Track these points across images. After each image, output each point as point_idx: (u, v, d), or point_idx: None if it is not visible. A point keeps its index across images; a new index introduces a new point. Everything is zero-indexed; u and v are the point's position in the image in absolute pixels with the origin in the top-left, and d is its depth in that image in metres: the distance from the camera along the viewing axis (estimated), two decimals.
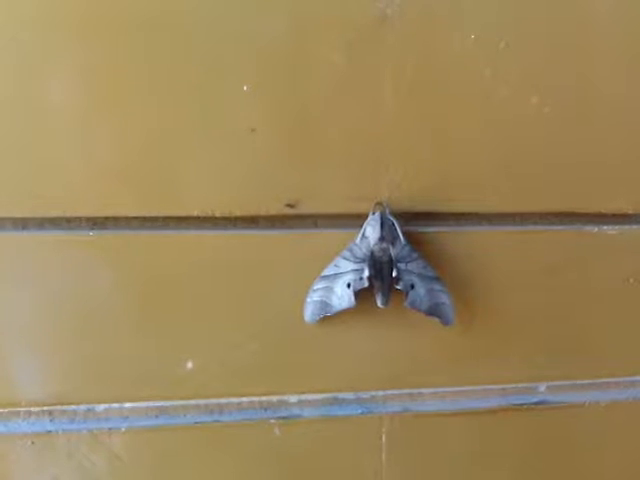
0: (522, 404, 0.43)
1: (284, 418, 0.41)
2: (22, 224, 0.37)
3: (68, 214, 0.37)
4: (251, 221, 0.39)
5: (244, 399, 0.41)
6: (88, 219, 0.38)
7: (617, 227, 0.42)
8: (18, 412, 0.39)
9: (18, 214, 0.37)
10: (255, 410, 0.41)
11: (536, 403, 0.43)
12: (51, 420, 0.39)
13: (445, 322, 0.39)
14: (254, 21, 0.37)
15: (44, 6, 0.36)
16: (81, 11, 0.36)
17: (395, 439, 0.41)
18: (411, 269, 0.38)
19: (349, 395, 0.41)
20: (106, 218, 0.38)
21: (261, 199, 0.38)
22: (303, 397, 0.41)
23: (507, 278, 0.41)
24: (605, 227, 0.42)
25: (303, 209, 0.39)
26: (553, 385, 0.43)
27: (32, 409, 0.39)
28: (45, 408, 0.39)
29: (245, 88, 0.38)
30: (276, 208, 0.39)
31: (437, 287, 0.38)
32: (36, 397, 0.39)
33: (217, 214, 0.38)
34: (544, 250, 0.42)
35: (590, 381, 0.43)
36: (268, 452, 0.41)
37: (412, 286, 0.38)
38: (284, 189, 0.39)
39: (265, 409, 0.41)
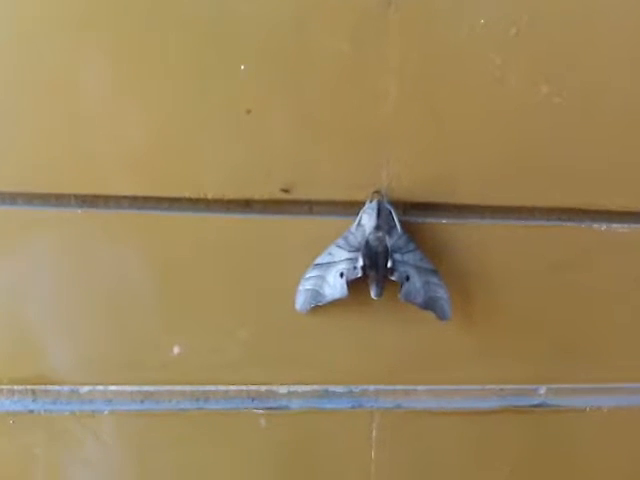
0: (521, 406, 0.41)
1: (271, 409, 0.40)
2: (10, 199, 0.37)
3: (57, 191, 0.37)
4: (245, 205, 0.38)
5: (231, 387, 0.40)
6: (77, 196, 0.37)
7: (627, 225, 0.40)
8: (1, 390, 0.38)
9: (8, 189, 0.36)
10: (242, 399, 0.40)
11: (535, 405, 0.41)
12: (34, 400, 0.38)
13: (441, 317, 0.37)
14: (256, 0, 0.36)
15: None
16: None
17: (386, 435, 0.40)
18: (407, 260, 0.36)
19: (340, 388, 0.40)
20: (96, 196, 0.37)
21: (255, 182, 0.37)
22: (292, 388, 0.40)
23: (509, 274, 0.40)
24: (614, 225, 0.40)
25: (298, 194, 0.38)
26: (554, 388, 0.41)
27: (15, 387, 0.38)
28: (28, 387, 0.38)
29: (242, 67, 0.36)
30: (270, 192, 0.37)
31: (434, 280, 0.37)
32: (19, 375, 0.38)
33: (209, 196, 0.37)
34: (549, 246, 0.40)
35: (593, 385, 0.41)
36: (253, 443, 0.39)
37: (407, 278, 0.36)
38: (279, 173, 0.37)
39: (252, 399, 0.40)
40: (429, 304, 0.37)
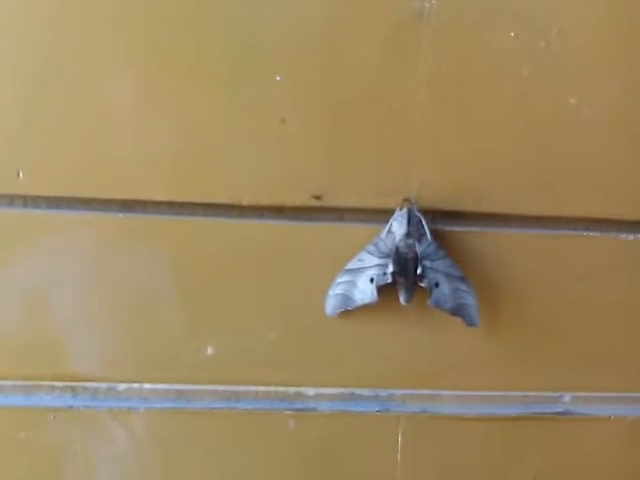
0: (544, 413, 0.42)
1: (300, 410, 0.41)
2: (55, 203, 0.38)
3: (100, 195, 0.38)
4: (277, 211, 0.39)
5: (261, 388, 0.41)
6: (118, 201, 0.39)
7: None
8: (42, 386, 0.40)
9: (53, 193, 0.38)
10: (271, 400, 0.41)
11: (559, 413, 0.42)
12: (73, 396, 0.40)
13: (469, 323, 0.38)
14: (290, 11, 0.37)
15: (95, 5, 0.37)
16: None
17: (412, 439, 0.41)
18: (436, 267, 0.37)
19: (367, 392, 0.41)
20: (136, 201, 0.39)
21: (288, 189, 0.38)
22: (320, 390, 0.41)
23: (535, 282, 0.40)
24: None
25: (329, 201, 0.39)
26: (578, 396, 0.42)
27: (55, 384, 0.40)
28: (68, 384, 0.40)
29: (278, 78, 0.38)
30: (302, 199, 0.39)
31: (462, 287, 0.38)
32: (60, 373, 0.40)
33: (245, 202, 0.38)
34: (576, 256, 0.40)
35: (617, 394, 0.42)
36: (281, 443, 0.41)
37: (437, 284, 0.37)
38: (311, 180, 0.38)
39: (281, 400, 0.41)
40: (457, 310, 0.38)
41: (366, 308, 0.38)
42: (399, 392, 0.41)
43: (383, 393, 0.41)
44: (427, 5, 0.38)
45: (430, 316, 0.39)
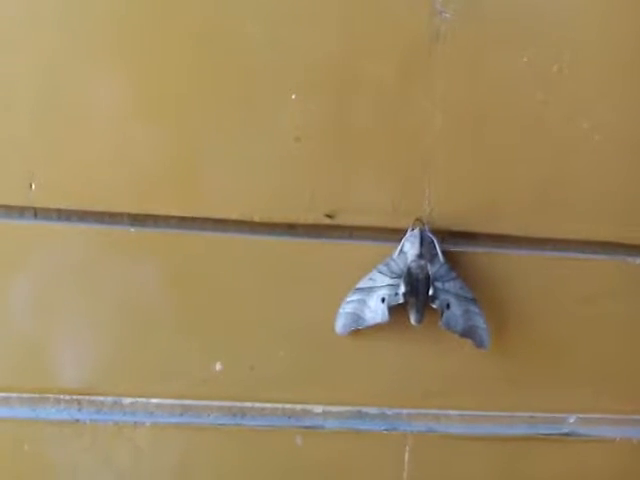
0: (550, 434, 0.42)
1: (307, 428, 0.41)
2: (65, 216, 0.38)
3: (111, 209, 0.38)
4: (288, 228, 0.39)
5: (268, 405, 0.41)
6: (129, 215, 0.38)
7: None
8: (48, 398, 0.40)
9: (64, 206, 0.38)
10: (278, 417, 0.41)
11: (565, 434, 0.42)
12: (79, 409, 0.40)
13: (479, 345, 0.38)
14: (307, 31, 0.37)
15: (90, 11, 0.36)
16: (129, 15, 0.37)
17: (418, 459, 0.41)
18: (448, 289, 0.37)
19: (373, 410, 0.41)
20: (147, 215, 0.39)
21: (301, 207, 0.39)
22: (327, 408, 0.41)
23: (544, 304, 0.41)
24: None
25: (341, 220, 0.39)
26: (584, 417, 0.42)
27: (61, 397, 0.40)
28: (74, 397, 0.40)
29: (293, 97, 0.38)
30: (315, 217, 0.39)
31: (473, 309, 0.38)
32: (66, 386, 0.39)
33: (256, 219, 0.38)
34: (584, 278, 0.41)
35: (623, 416, 0.42)
36: (289, 460, 0.40)
37: (448, 306, 0.37)
38: (324, 199, 0.39)
39: (288, 417, 0.41)
40: (468, 332, 0.38)
41: (376, 327, 0.39)
42: (406, 411, 0.41)
43: (390, 412, 0.41)
44: (442, 28, 0.38)
45: (438, 336, 0.39)
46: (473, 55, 0.38)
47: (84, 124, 0.37)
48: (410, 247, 0.37)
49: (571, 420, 0.42)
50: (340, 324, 0.39)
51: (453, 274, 0.38)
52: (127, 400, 0.40)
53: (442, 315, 0.37)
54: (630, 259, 0.41)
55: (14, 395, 0.39)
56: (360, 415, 0.41)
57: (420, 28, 0.38)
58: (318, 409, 0.41)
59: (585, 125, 0.39)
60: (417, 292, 0.37)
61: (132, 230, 0.38)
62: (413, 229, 0.38)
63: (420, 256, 0.37)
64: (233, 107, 0.38)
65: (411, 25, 0.38)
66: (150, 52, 0.37)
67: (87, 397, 0.40)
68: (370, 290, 0.38)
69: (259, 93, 0.38)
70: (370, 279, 0.38)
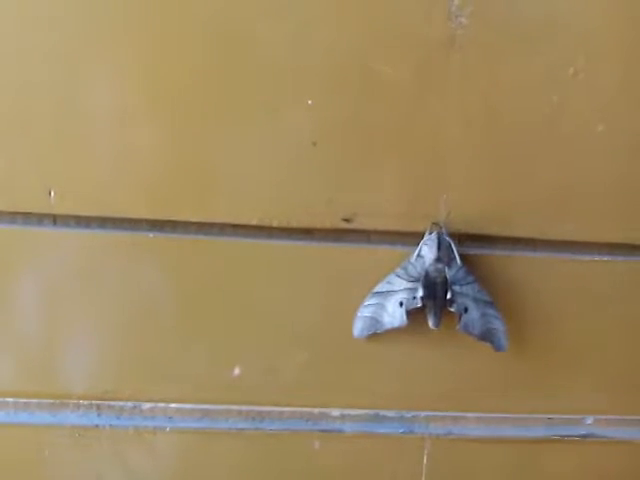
0: (568, 435, 0.42)
1: (325, 431, 0.41)
2: (85, 222, 0.39)
3: (130, 215, 0.38)
4: (306, 233, 0.39)
5: (286, 409, 0.41)
6: (148, 221, 0.39)
7: None
8: (67, 404, 0.40)
9: (83, 213, 0.38)
10: (296, 420, 0.41)
11: (583, 436, 0.42)
12: (98, 414, 0.40)
13: (497, 348, 0.38)
14: (323, 35, 0.37)
15: (107, 20, 0.37)
16: (147, 24, 0.37)
17: (437, 461, 0.41)
18: (466, 292, 0.37)
19: (391, 413, 0.41)
20: (165, 221, 0.39)
21: (318, 212, 0.39)
22: (345, 412, 0.41)
23: (561, 306, 0.41)
24: None
25: (358, 224, 0.39)
26: (601, 418, 0.42)
27: (81, 402, 0.40)
28: (93, 402, 0.40)
29: (310, 102, 0.38)
30: (332, 222, 0.39)
31: (491, 312, 0.38)
32: (85, 391, 0.40)
33: (274, 224, 0.39)
34: (601, 281, 0.41)
35: None
36: (307, 464, 0.41)
37: (466, 309, 0.37)
38: (342, 203, 0.39)
39: (306, 420, 0.41)
40: (486, 336, 0.38)
41: (393, 330, 0.39)
42: (424, 414, 0.41)
43: (407, 414, 0.41)
44: (458, 32, 0.38)
45: (457, 339, 0.39)
46: (489, 59, 0.38)
47: (103, 131, 0.37)
48: (428, 251, 0.37)
49: (589, 421, 0.42)
50: (358, 328, 0.39)
51: (471, 277, 0.38)
52: (146, 405, 0.40)
53: (460, 318, 0.37)
54: None
55: (34, 401, 0.40)
56: (378, 418, 0.41)
57: (436, 33, 0.38)
58: (336, 412, 0.41)
59: (601, 128, 0.39)
60: (435, 296, 0.37)
61: (151, 236, 0.39)
62: (430, 232, 0.38)
63: (438, 260, 0.37)
64: (250, 112, 0.38)
65: (427, 30, 0.38)
66: (167, 58, 0.37)
67: (106, 402, 0.40)
68: (388, 294, 0.38)
69: (276, 98, 0.38)
70: (388, 283, 0.38)
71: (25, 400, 0.40)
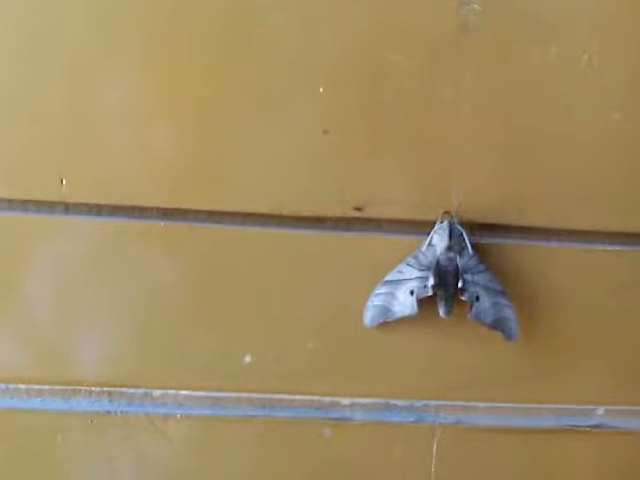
0: (578, 426, 0.42)
1: (335, 419, 0.41)
2: (96, 210, 0.39)
3: (140, 203, 0.39)
4: (317, 221, 0.39)
5: (296, 397, 0.41)
6: (159, 209, 0.39)
7: None
8: (80, 390, 0.40)
9: (94, 201, 0.38)
10: (306, 409, 0.41)
11: (593, 426, 0.42)
12: (110, 401, 0.40)
13: (509, 337, 0.38)
14: (334, 23, 0.37)
15: (117, 13, 0.37)
16: (155, 12, 0.37)
17: (446, 450, 0.41)
18: (477, 281, 0.37)
19: (402, 402, 0.41)
20: (176, 209, 0.39)
21: (329, 200, 0.39)
22: (355, 400, 0.41)
23: (572, 296, 0.40)
24: None
25: (369, 213, 0.39)
26: (612, 409, 0.42)
27: (93, 389, 0.40)
28: (105, 389, 0.40)
29: (321, 90, 0.38)
30: (343, 210, 0.39)
31: (502, 301, 0.38)
32: (97, 378, 0.40)
33: (285, 212, 0.39)
34: (613, 270, 0.40)
35: None
36: (317, 453, 0.41)
37: (477, 298, 0.37)
38: (353, 192, 0.39)
39: (317, 409, 0.41)
40: (498, 325, 0.38)
41: (404, 319, 0.39)
42: (434, 403, 0.41)
43: (418, 404, 0.41)
44: (470, 19, 0.38)
45: (468, 328, 0.39)
46: (501, 46, 0.38)
47: (113, 120, 0.37)
48: (439, 240, 0.37)
49: (600, 412, 0.42)
50: (369, 317, 0.39)
51: (482, 266, 0.38)
52: (157, 392, 0.40)
53: (471, 307, 0.37)
54: None
55: (46, 387, 0.40)
56: (388, 407, 0.41)
57: (448, 20, 0.37)
58: (346, 401, 0.41)
59: (615, 116, 0.39)
60: (446, 284, 0.37)
61: (162, 224, 0.39)
62: (442, 221, 0.38)
63: (449, 248, 0.37)
64: (261, 101, 0.38)
65: (439, 17, 0.37)
66: (176, 47, 0.37)
67: (118, 389, 0.40)
68: (399, 283, 0.38)
69: (287, 86, 0.38)
70: (398, 272, 0.38)
71: (38, 387, 0.40)
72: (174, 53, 0.37)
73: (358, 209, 0.39)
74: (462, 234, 0.37)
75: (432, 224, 0.38)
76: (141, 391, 0.40)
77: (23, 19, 0.36)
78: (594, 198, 0.40)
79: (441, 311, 0.37)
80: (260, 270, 0.39)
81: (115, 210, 0.39)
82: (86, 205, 0.38)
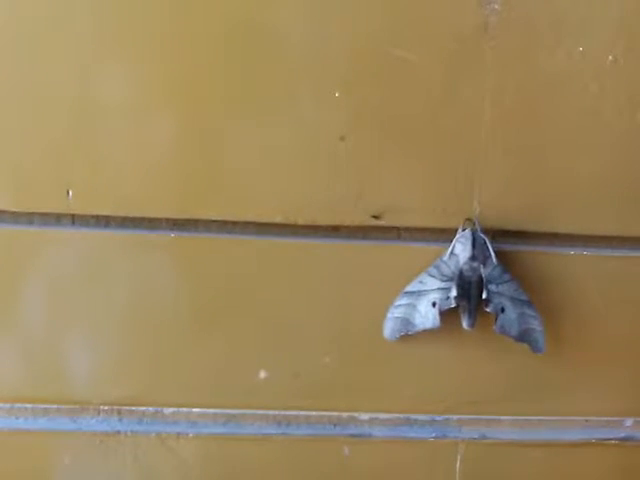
0: (606, 438, 0.40)
1: (354, 436, 0.39)
2: (104, 222, 0.37)
3: (150, 215, 0.37)
4: (333, 230, 0.38)
5: (313, 413, 0.39)
6: (169, 220, 0.37)
7: None
8: (88, 409, 0.39)
9: (102, 212, 0.37)
10: (324, 425, 0.40)
11: (622, 439, 0.40)
12: (120, 420, 0.39)
13: (535, 349, 0.37)
14: (350, 25, 0.36)
15: (123, 18, 0.35)
16: (159, 12, 0.35)
17: (470, 467, 0.39)
18: (502, 291, 0.36)
19: (423, 417, 0.40)
20: (187, 220, 0.37)
21: (346, 209, 0.37)
22: (374, 415, 0.39)
23: (599, 304, 0.39)
24: None
25: (388, 220, 0.38)
26: None
27: (102, 407, 0.39)
28: (114, 407, 0.39)
29: (337, 94, 0.36)
30: (361, 219, 0.37)
31: (529, 312, 0.36)
32: (106, 396, 0.39)
33: (300, 222, 0.37)
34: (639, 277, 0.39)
35: None
36: (336, 470, 0.39)
37: (502, 309, 0.36)
38: (371, 199, 0.37)
39: (334, 425, 0.40)
40: (524, 336, 0.36)
41: (425, 331, 0.37)
42: (456, 417, 0.40)
43: (439, 418, 0.40)
44: (492, 19, 0.36)
45: (491, 340, 0.38)
46: (523, 47, 0.36)
47: (121, 130, 0.36)
48: (462, 249, 0.36)
49: (628, 423, 0.41)
50: (389, 329, 0.37)
51: (507, 276, 0.36)
52: (169, 410, 0.39)
53: (496, 319, 0.36)
54: None
55: (53, 406, 0.38)
56: (409, 422, 0.40)
57: (468, 20, 0.36)
58: (365, 417, 0.40)
59: None
60: (469, 295, 0.36)
61: (172, 235, 0.37)
62: (464, 229, 0.36)
63: (473, 258, 0.35)
64: (276, 107, 0.36)
65: (459, 17, 0.36)
66: (187, 54, 0.36)
67: (128, 407, 0.39)
68: (420, 294, 0.37)
69: (302, 91, 0.36)
70: (420, 282, 0.37)
71: (44, 406, 0.38)
72: (183, 62, 0.36)
73: (376, 217, 0.37)
74: (485, 242, 0.36)
75: (453, 232, 0.37)
76: (152, 409, 0.39)
77: (24, 32, 0.35)
78: (620, 202, 0.38)
79: (465, 323, 0.36)
80: (275, 282, 0.38)
81: (123, 221, 0.37)
82: (94, 217, 0.37)
